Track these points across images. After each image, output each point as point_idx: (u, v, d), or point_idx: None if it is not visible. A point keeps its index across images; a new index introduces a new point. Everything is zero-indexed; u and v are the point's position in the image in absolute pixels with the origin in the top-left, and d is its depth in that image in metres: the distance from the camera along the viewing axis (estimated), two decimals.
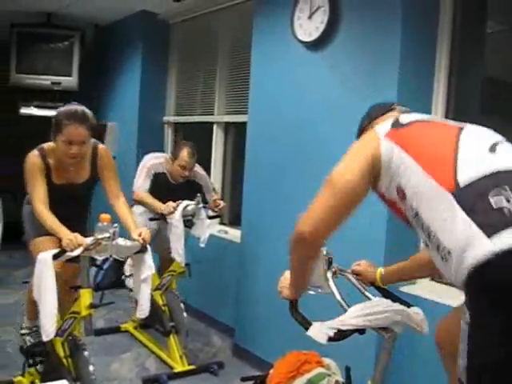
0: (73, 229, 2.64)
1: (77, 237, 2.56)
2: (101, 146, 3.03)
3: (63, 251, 2.53)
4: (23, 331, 3.16)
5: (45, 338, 2.55)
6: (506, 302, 1.30)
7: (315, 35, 3.24)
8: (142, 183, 3.84)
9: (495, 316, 1.31)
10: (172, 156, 3.92)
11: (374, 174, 1.63)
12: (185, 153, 3.82)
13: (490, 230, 1.32)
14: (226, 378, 3.56)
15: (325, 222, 1.61)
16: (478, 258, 1.32)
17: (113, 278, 5.02)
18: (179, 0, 4.84)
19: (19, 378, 3.13)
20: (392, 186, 1.62)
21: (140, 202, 3.87)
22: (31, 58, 5.65)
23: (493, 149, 1.50)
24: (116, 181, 3.04)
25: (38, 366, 3.00)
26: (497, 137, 1.58)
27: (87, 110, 2.81)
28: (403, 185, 1.57)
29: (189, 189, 3.91)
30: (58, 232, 2.62)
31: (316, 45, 3.27)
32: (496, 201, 1.36)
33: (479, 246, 1.32)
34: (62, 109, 2.80)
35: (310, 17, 3.27)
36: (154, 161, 3.94)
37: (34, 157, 2.80)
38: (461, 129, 1.59)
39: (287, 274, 1.89)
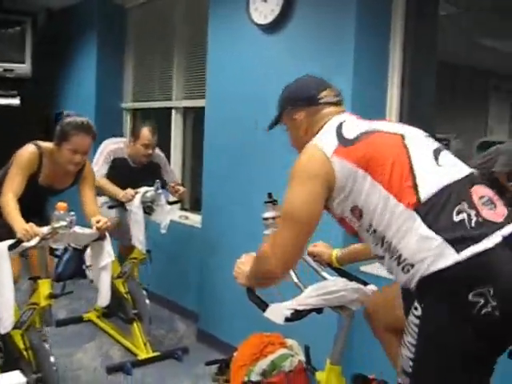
0: (34, 222, 2.60)
1: (32, 227, 2.51)
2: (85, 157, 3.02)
3: (19, 241, 2.48)
4: None
5: (2, 331, 2.51)
6: (454, 297, 1.41)
7: (270, 18, 3.23)
8: (99, 169, 3.72)
9: (444, 311, 1.42)
10: (132, 138, 3.84)
11: (327, 195, 1.62)
12: (146, 131, 3.75)
13: (455, 242, 1.42)
14: (190, 363, 3.57)
15: (293, 257, 1.65)
16: (441, 267, 1.42)
17: (74, 268, 4.95)
18: None
19: None
20: (346, 206, 1.61)
21: (99, 189, 3.73)
22: None
23: (437, 159, 1.58)
24: (93, 193, 3.09)
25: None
26: (433, 143, 1.66)
27: (90, 121, 2.89)
28: (360, 204, 1.58)
29: (148, 171, 3.88)
30: (13, 222, 2.56)
31: (272, 28, 3.27)
32: (456, 214, 1.46)
33: (446, 258, 1.41)
34: (69, 119, 2.86)
35: None
36: (112, 146, 3.85)
37: (30, 153, 2.80)
38: (403, 137, 1.63)
39: (245, 259, 1.87)
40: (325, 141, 1.65)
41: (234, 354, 2.58)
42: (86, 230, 2.70)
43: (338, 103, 1.83)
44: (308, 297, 1.69)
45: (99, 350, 3.73)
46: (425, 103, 3.17)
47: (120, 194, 3.64)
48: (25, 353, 2.76)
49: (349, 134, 1.64)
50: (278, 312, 1.66)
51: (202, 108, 3.99)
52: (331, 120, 1.74)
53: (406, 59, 3.00)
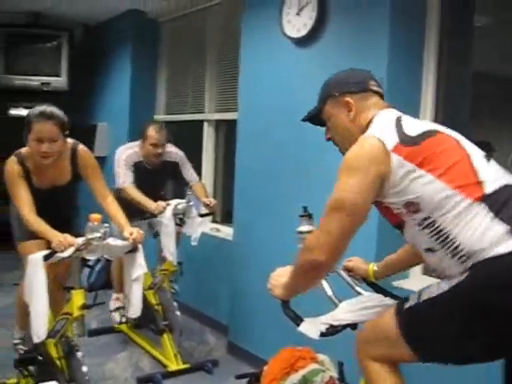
0: (61, 230, 2.63)
1: (67, 237, 2.55)
2: (80, 146, 2.98)
3: (54, 252, 2.52)
4: (15, 341, 3.17)
5: (36, 340, 2.54)
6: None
7: (304, 31, 3.24)
8: (124, 177, 3.74)
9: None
10: (141, 139, 3.84)
11: (380, 186, 1.61)
12: (152, 131, 3.76)
13: None
14: (220, 376, 3.55)
15: (340, 247, 1.62)
16: (501, 252, 1.45)
17: (105, 279, 5.01)
18: None
19: (11, 380, 3.13)
20: (399, 199, 1.60)
21: (128, 199, 3.71)
22: (20, 58, 5.64)
23: (488, 164, 1.62)
24: (101, 180, 3.02)
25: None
26: (479, 150, 1.67)
27: (55, 109, 2.77)
28: (418, 201, 1.56)
29: (166, 171, 3.90)
30: (47, 235, 2.61)
31: (304, 41, 3.27)
32: None
33: (507, 245, 1.45)
34: (31, 109, 2.79)
35: (298, 13, 3.27)
36: (128, 151, 3.86)
37: (12, 163, 2.78)
38: (457, 140, 1.65)
39: (280, 272, 1.85)
40: (385, 134, 1.62)
41: (265, 368, 2.55)
42: (119, 242, 2.72)
43: (383, 97, 1.83)
44: (343, 312, 1.67)
45: (130, 361, 3.74)
46: (460, 116, 3.13)
47: (152, 206, 3.64)
48: (58, 362, 2.78)
49: (410, 130, 1.63)
50: (312, 327, 1.64)
51: (234, 121, 4.01)
52: (383, 113, 1.73)
53: (441, 73, 2.96)
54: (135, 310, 2.89)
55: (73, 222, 3.11)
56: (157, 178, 3.87)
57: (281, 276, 1.81)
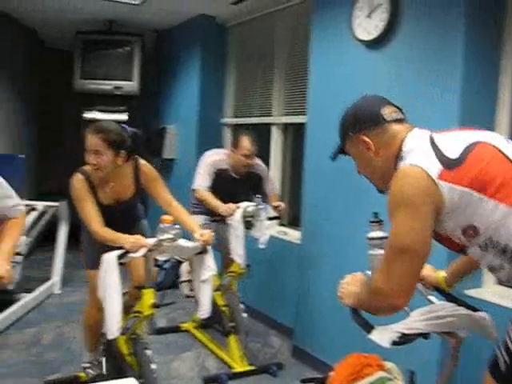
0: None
1: (139, 238, 2.64)
2: (141, 162, 3.06)
3: (127, 252, 2.60)
4: (85, 365, 3.26)
5: (110, 336, 2.62)
6: None
7: (374, 34, 3.20)
8: (202, 180, 3.81)
9: None
10: (232, 147, 3.88)
11: (436, 219, 1.56)
12: (245, 141, 3.79)
13: None
14: (285, 380, 3.56)
15: (413, 287, 1.59)
16: None
17: (174, 278, 5.13)
18: (236, 3, 4.88)
19: (83, 373, 3.25)
20: (456, 226, 1.56)
21: (200, 201, 3.85)
22: (94, 64, 5.87)
23: None
24: (164, 188, 3.10)
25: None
26: None
27: (112, 126, 2.86)
28: (476, 224, 1.52)
29: (250, 182, 3.93)
30: (119, 241, 2.68)
31: (375, 44, 3.23)
32: None
33: None
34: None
35: (369, 15, 3.23)
36: (215, 157, 3.91)
37: (78, 180, 2.87)
38: (496, 146, 1.58)
39: (350, 280, 1.81)
40: (426, 161, 1.54)
41: (330, 374, 2.53)
42: (190, 244, 2.77)
43: (402, 120, 1.73)
44: (415, 321, 1.63)
45: (196, 360, 3.80)
46: None
47: (221, 207, 3.68)
48: (128, 358, 2.87)
49: (450, 151, 1.54)
50: (384, 335, 1.61)
51: (302, 124, 4.01)
52: (412, 136, 1.65)
53: None
54: (205, 311, 2.92)
55: (135, 225, 3.20)
56: (239, 188, 3.92)
57: (351, 284, 1.78)
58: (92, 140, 2.78)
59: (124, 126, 2.91)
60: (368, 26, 3.24)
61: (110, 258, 2.59)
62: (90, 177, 2.87)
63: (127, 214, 3.10)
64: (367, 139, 1.70)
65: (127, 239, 2.64)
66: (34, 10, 5.49)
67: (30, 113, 6.67)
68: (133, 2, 5.07)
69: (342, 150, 1.87)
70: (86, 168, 2.89)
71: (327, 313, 3.58)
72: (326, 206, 3.66)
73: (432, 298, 1.91)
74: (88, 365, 3.25)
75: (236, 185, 3.91)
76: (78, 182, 2.86)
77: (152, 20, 5.77)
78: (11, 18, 5.82)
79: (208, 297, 2.91)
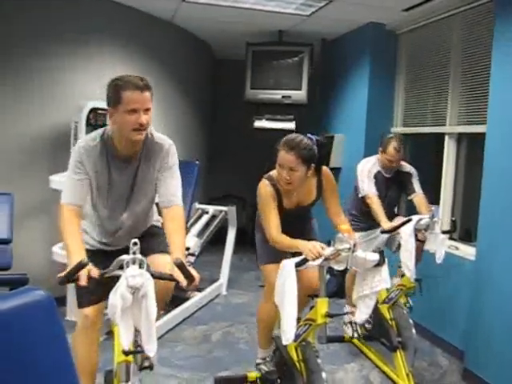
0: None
1: (315, 246, 2.64)
2: (324, 168, 3.10)
3: (305, 260, 2.63)
4: (258, 361, 3.37)
5: (285, 342, 2.65)
6: None
7: None
8: (369, 186, 3.96)
9: None
10: (381, 148, 4.01)
11: None
12: (392, 149, 3.90)
13: None
14: None
15: None
16: None
17: (335, 288, 5.12)
18: (408, 9, 4.76)
19: (252, 373, 3.34)
20: None
21: (368, 205, 3.95)
22: (264, 74, 6.05)
23: None
24: (337, 199, 3.13)
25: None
26: None
27: (300, 140, 2.86)
28: None
29: (399, 179, 4.06)
30: (296, 246, 2.75)
31: None
32: None
33: None
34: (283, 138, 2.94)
35: None
36: (369, 164, 4.07)
37: (265, 186, 2.97)
38: None
39: None
40: None
41: None
42: (368, 255, 2.73)
43: None
44: None
45: (360, 373, 3.76)
46: None
47: (384, 224, 3.77)
48: (297, 364, 2.90)
49: None
50: None
51: (478, 134, 3.79)
52: None
53: None
54: (361, 318, 3.01)
55: (309, 232, 3.23)
56: (391, 187, 4.06)
57: None
58: (286, 157, 2.84)
59: (310, 136, 2.95)
60: None
61: (288, 265, 2.64)
62: (275, 183, 2.96)
63: (303, 216, 3.20)
64: None
65: (304, 246, 2.67)
66: (208, 24, 5.82)
67: (202, 122, 7.08)
68: (303, 13, 5.16)
69: None
70: (272, 174, 2.99)
71: (503, 335, 3.34)
72: (506, 222, 3.43)
73: None
74: (261, 361, 3.33)
75: (388, 184, 4.06)
76: (264, 188, 2.97)
77: (320, 29, 5.83)
78: (189, 33, 6.23)
79: (371, 306, 2.96)
